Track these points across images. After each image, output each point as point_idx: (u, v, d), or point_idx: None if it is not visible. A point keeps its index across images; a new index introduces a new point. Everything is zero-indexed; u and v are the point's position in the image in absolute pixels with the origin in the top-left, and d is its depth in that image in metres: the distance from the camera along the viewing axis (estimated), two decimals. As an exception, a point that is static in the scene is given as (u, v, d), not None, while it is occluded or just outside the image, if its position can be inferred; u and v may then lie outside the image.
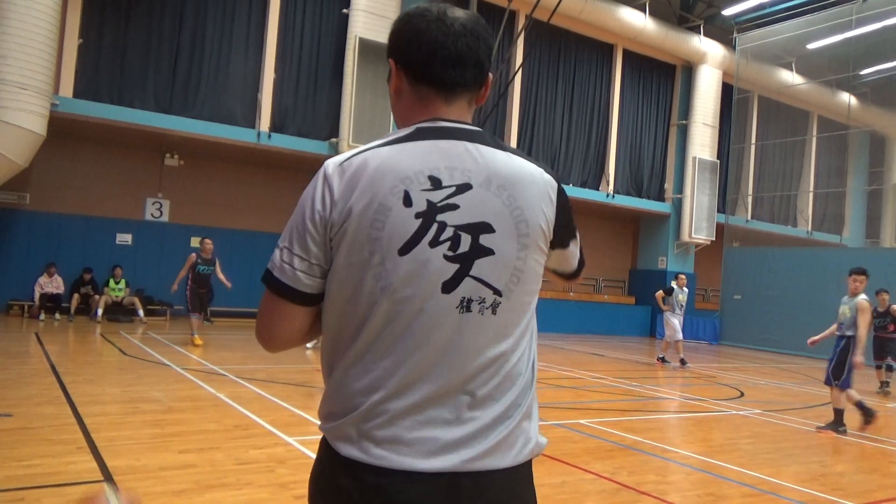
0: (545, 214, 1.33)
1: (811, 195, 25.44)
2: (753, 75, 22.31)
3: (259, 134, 14.87)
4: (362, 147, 1.32)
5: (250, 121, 15.02)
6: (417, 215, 1.23)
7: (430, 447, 1.21)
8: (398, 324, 1.23)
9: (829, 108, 24.32)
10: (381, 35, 15.56)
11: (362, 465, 1.22)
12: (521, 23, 18.12)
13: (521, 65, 17.91)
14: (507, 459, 1.26)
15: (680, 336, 13.71)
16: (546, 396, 8.83)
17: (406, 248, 1.23)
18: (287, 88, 15.50)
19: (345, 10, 15.71)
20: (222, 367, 8.96)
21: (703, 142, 21.82)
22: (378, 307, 1.24)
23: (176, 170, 15.92)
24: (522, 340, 1.32)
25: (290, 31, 15.55)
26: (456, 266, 1.24)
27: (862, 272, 7.68)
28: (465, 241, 1.24)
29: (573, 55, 19.96)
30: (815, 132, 25.31)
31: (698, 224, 21.62)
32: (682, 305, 13.69)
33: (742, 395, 10.36)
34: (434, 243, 1.23)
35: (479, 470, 1.23)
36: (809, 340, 8.22)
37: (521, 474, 1.30)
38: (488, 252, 1.25)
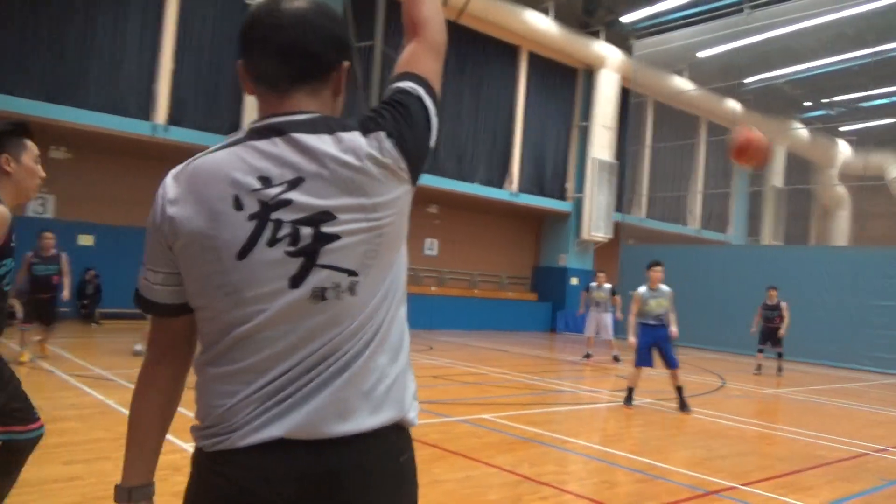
0: (391, 182, 1.28)
1: (699, 195, 26.96)
2: (649, 81, 23.37)
3: (155, 126, 14.20)
4: (200, 153, 1.31)
5: (145, 112, 14.30)
6: (251, 217, 1.22)
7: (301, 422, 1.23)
8: (250, 327, 1.23)
9: (717, 113, 25.88)
10: (285, 28, 15.24)
11: (220, 455, 1.25)
12: (427, 21, 18.19)
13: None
14: (366, 422, 1.26)
15: (588, 332, 13.98)
16: (451, 393, 8.94)
17: (244, 252, 1.22)
18: (186, 80, 14.87)
19: (247, 1, 15.25)
20: (112, 372, 8.52)
21: (602, 143, 22.67)
22: (223, 314, 1.24)
23: (63, 163, 14.96)
24: (382, 304, 1.29)
25: (190, 20, 14.92)
26: (300, 259, 1.23)
27: (661, 263, 8.91)
28: (307, 234, 1.23)
29: (479, 55, 20.23)
30: (704, 136, 26.84)
31: (597, 222, 22.45)
32: (597, 303, 13.78)
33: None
34: (272, 242, 1.22)
35: (344, 435, 1.24)
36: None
37: (381, 442, 1.28)
38: (333, 238, 1.23)
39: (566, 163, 23.02)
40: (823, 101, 28.33)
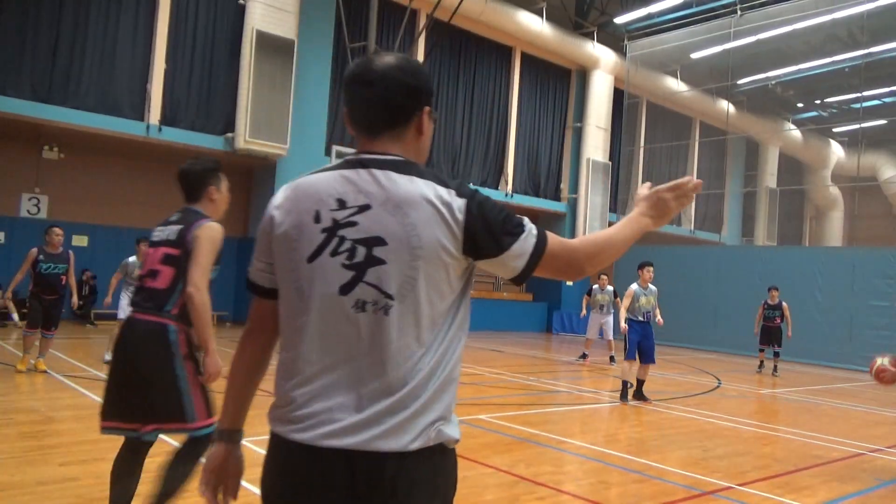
0: (446, 228, 1.45)
1: (694, 196, 26.98)
2: (642, 81, 23.45)
3: (148, 127, 14.15)
4: (308, 172, 1.58)
5: (139, 113, 14.24)
6: (323, 230, 1.48)
7: (333, 428, 1.41)
8: (307, 324, 1.47)
9: (710, 114, 25.96)
10: (280, 28, 15.19)
11: (284, 441, 1.46)
12: (422, 21, 18.21)
13: (423, 63, 18.01)
14: (399, 444, 1.41)
15: (589, 334, 13.98)
16: (447, 393, 8.91)
17: (312, 257, 1.48)
18: (179, 80, 14.82)
19: (241, 1, 15.22)
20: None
21: (596, 144, 22.71)
22: (294, 308, 1.51)
23: (56, 163, 14.89)
24: (422, 336, 1.45)
25: (183, 19, 14.87)
26: (352, 273, 1.45)
27: (652, 263, 9.48)
28: (361, 253, 1.45)
29: (473, 56, 20.26)
30: (697, 137, 26.93)
31: (592, 223, 22.49)
32: (601, 305, 13.73)
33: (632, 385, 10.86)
34: (334, 253, 1.46)
35: (373, 450, 1.39)
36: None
37: (417, 460, 1.43)
38: (379, 262, 1.44)
39: (560, 163, 23.06)
40: (816, 102, 28.48)
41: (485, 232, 1.47)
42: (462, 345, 1.54)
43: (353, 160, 1.54)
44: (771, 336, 13.75)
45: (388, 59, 1.55)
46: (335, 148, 15.67)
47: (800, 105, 29.05)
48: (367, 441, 1.39)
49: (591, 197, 22.42)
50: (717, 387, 11.62)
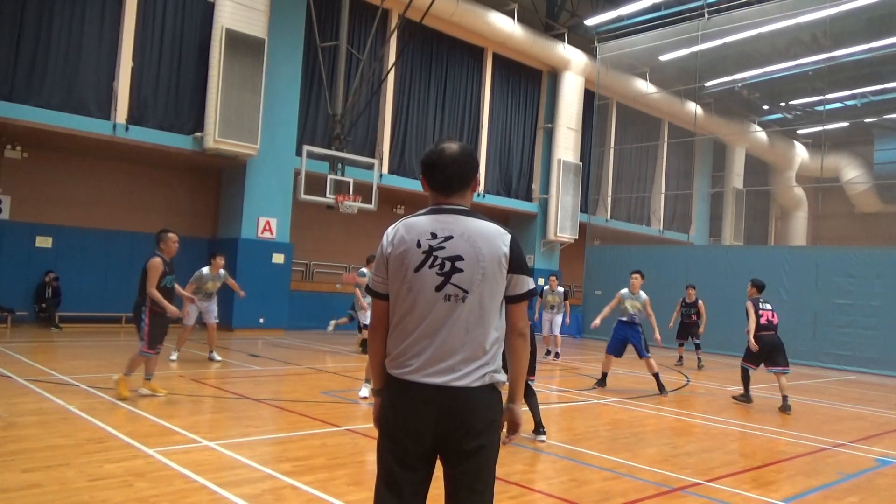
0: (499, 252, 2.41)
1: (662, 196, 27.39)
2: (612, 83, 23.68)
3: (115, 126, 13.88)
4: (407, 216, 2.51)
5: (105, 111, 13.96)
6: (423, 252, 2.41)
7: (427, 371, 2.37)
8: (415, 308, 2.40)
9: (679, 116, 26.33)
10: (250, 27, 15.02)
11: (397, 379, 2.42)
12: (394, 21, 18.16)
13: (395, 63, 17.97)
14: (466, 382, 2.36)
15: (543, 332, 14.48)
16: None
17: (418, 268, 2.40)
18: (147, 78, 14.56)
19: (209, 0, 15.02)
20: (73, 377, 8.30)
21: (567, 145, 22.87)
22: (406, 300, 2.42)
23: (18, 163, 14.53)
24: (486, 317, 2.40)
25: (151, 16, 14.60)
26: (442, 278, 2.39)
27: (640, 271, 10.55)
28: (448, 265, 2.39)
29: (445, 56, 20.25)
30: (666, 138, 27.29)
31: (563, 223, 22.65)
32: (552, 306, 14.38)
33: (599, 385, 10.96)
34: (431, 266, 2.40)
35: (452, 386, 2.35)
36: (592, 324, 10.65)
37: (478, 395, 2.37)
38: (460, 271, 2.39)
39: (532, 164, 23.17)
40: (781, 104, 29.04)
41: (517, 259, 2.44)
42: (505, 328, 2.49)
43: (436, 209, 2.48)
44: (688, 331, 14.51)
45: (454, 147, 2.50)
46: (305, 147, 15.55)
47: (765, 107, 29.61)
48: (448, 381, 2.34)
49: (562, 197, 22.57)
50: (686, 384, 11.78)
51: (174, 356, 10.24)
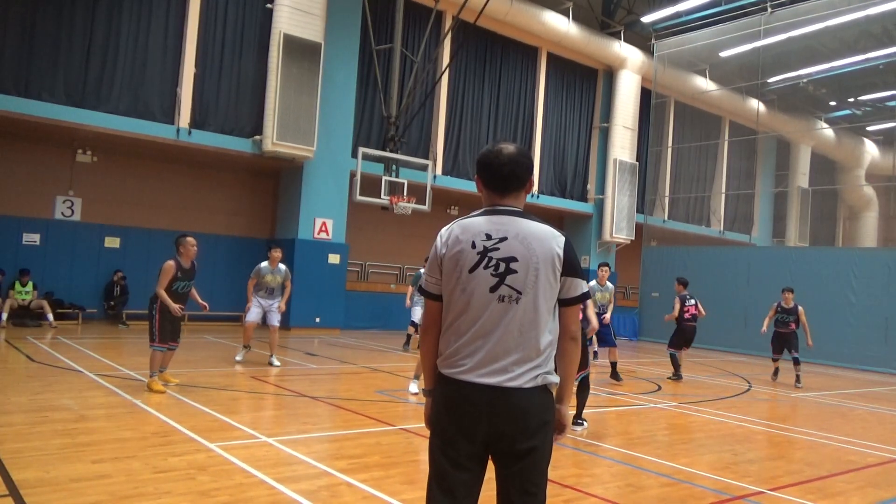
0: (552, 254, 2.40)
1: (723, 196, 26.65)
2: (670, 81, 23.17)
3: (179, 130, 14.36)
4: (461, 217, 2.50)
5: (169, 116, 14.46)
6: (478, 253, 2.40)
7: (480, 371, 2.35)
8: (469, 309, 2.39)
9: (740, 113, 25.56)
10: (307, 31, 15.31)
11: (449, 379, 2.40)
12: (448, 23, 18.22)
13: (449, 65, 18.03)
14: (519, 383, 2.34)
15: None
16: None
17: (472, 269, 2.39)
18: (209, 83, 15.01)
19: (269, 5, 15.37)
20: (139, 373, 8.61)
21: (623, 144, 22.51)
22: (460, 300, 2.40)
23: (89, 166, 15.19)
24: (540, 319, 2.38)
25: (212, 23, 15.06)
26: (497, 279, 2.38)
27: (608, 264, 11.39)
28: (502, 266, 2.38)
29: (499, 57, 20.20)
30: (726, 136, 26.55)
31: (619, 224, 22.30)
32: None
33: (659, 388, 10.76)
34: (486, 267, 2.39)
35: (505, 386, 2.33)
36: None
37: (531, 396, 2.36)
38: (514, 272, 2.38)
39: (587, 164, 22.89)
40: (849, 100, 27.87)
41: (571, 261, 2.43)
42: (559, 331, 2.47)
43: (491, 210, 2.48)
44: (785, 342, 12.58)
45: (511, 148, 2.49)
46: (361, 150, 15.74)
47: (832, 103, 28.45)
48: (501, 381, 2.33)
49: (618, 198, 22.22)
50: (748, 390, 11.44)
51: (239, 356, 10.43)
